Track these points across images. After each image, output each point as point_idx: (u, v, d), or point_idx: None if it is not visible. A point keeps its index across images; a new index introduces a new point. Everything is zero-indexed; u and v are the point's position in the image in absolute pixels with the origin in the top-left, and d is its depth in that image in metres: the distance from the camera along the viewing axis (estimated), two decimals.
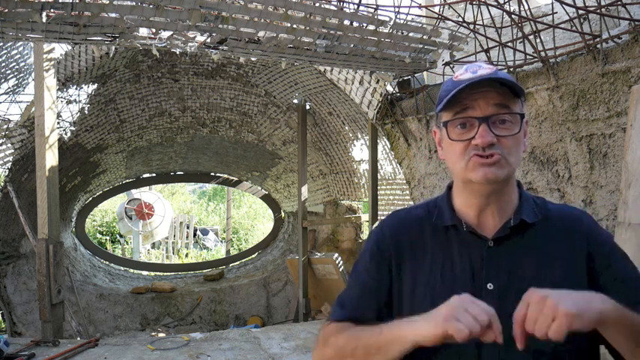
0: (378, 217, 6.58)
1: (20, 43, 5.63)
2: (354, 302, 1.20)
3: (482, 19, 3.83)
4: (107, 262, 10.62)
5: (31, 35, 3.24)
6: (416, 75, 4.85)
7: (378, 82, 5.24)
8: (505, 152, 1.08)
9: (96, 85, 7.08)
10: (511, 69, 3.56)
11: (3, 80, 5.92)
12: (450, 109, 1.12)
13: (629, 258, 1.18)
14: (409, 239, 1.20)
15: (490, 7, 3.50)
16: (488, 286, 1.10)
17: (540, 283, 1.06)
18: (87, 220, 11.05)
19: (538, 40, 3.25)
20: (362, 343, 1.06)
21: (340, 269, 7.62)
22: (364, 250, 1.25)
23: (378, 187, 7.08)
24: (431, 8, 4.31)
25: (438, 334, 0.94)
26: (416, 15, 5.53)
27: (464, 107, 1.10)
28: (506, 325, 1.03)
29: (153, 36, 3.43)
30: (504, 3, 3.44)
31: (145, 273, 11.26)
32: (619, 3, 2.89)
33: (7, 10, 2.84)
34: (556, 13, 3.80)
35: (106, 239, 16.62)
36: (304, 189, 7.86)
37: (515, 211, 1.15)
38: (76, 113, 7.05)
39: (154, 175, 10.88)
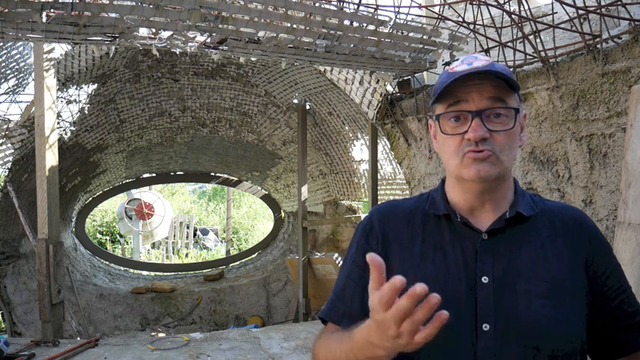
0: None
1: (20, 43, 5.63)
2: (339, 295, 1.18)
3: (483, 19, 3.83)
4: (107, 262, 10.62)
5: (31, 35, 3.24)
6: (416, 75, 4.85)
7: (378, 82, 5.24)
8: (497, 149, 1.05)
9: (96, 85, 7.09)
10: (511, 69, 3.57)
11: (3, 80, 5.92)
12: (443, 101, 1.09)
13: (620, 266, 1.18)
14: (398, 227, 1.16)
15: (490, 7, 3.50)
16: (483, 279, 1.05)
17: (537, 276, 1.05)
18: (87, 220, 11.05)
19: (538, 40, 3.25)
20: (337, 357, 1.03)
21: None
22: (352, 241, 1.22)
23: (378, 187, 7.07)
24: (431, 8, 4.31)
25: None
26: (416, 15, 5.52)
27: (457, 100, 1.07)
28: (503, 319, 1.02)
29: (153, 36, 3.43)
30: (504, 3, 3.44)
31: (145, 273, 11.26)
32: (619, 3, 2.89)
33: (7, 10, 2.84)
34: (556, 13, 3.80)
35: (106, 239, 16.62)
36: (304, 189, 7.86)
37: (511, 204, 1.12)
38: (76, 113, 7.04)
39: (154, 175, 10.89)
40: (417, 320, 0.82)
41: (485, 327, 1.02)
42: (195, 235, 18.17)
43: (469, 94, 1.06)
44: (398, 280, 0.81)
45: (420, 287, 0.79)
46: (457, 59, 1.12)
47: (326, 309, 1.18)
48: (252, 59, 5.88)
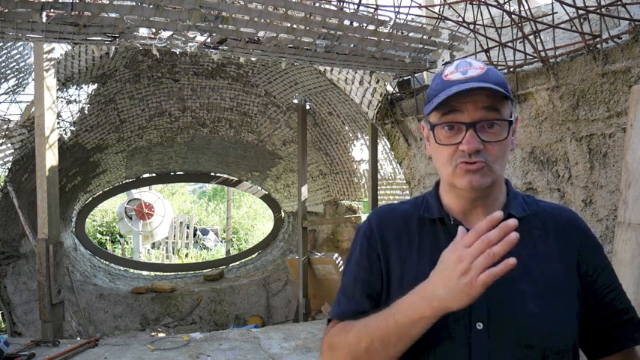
0: None
1: (20, 43, 5.63)
2: (350, 297, 1.18)
3: (483, 19, 3.83)
4: (107, 262, 10.62)
5: (31, 35, 3.24)
6: (416, 75, 4.85)
7: (378, 82, 5.24)
8: (490, 159, 1.07)
9: (96, 85, 7.09)
10: (511, 69, 3.56)
11: (3, 80, 5.92)
12: (437, 110, 1.11)
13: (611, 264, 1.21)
14: (395, 231, 1.19)
15: (490, 7, 3.49)
16: None
17: (530, 276, 1.07)
18: (87, 220, 11.05)
19: (538, 40, 3.25)
20: (377, 335, 1.03)
21: (340, 269, 7.62)
22: (353, 245, 1.25)
23: (378, 187, 7.07)
24: (431, 8, 4.31)
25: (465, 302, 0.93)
26: (416, 15, 5.51)
27: (452, 109, 1.08)
28: (496, 318, 1.05)
29: (153, 36, 3.43)
30: (504, 3, 3.43)
31: (145, 273, 11.27)
32: (619, 3, 2.89)
33: (7, 10, 2.84)
34: (556, 13, 3.80)
35: (106, 239, 16.62)
36: (304, 189, 7.86)
37: (503, 206, 1.15)
38: (76, 113, 7.05)
39: (154, 175, 10.89)
40: (493, 254, 0.88)
41: (479, 326, 1.05)
42: (195, 235, 18.17)
43: (464, 104, 1.07)
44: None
45: (512, 221, 0.89)
46: (449, 62, 1.13)
47: (338, 310, 1.19)
48: (252, 59, 5.88)
